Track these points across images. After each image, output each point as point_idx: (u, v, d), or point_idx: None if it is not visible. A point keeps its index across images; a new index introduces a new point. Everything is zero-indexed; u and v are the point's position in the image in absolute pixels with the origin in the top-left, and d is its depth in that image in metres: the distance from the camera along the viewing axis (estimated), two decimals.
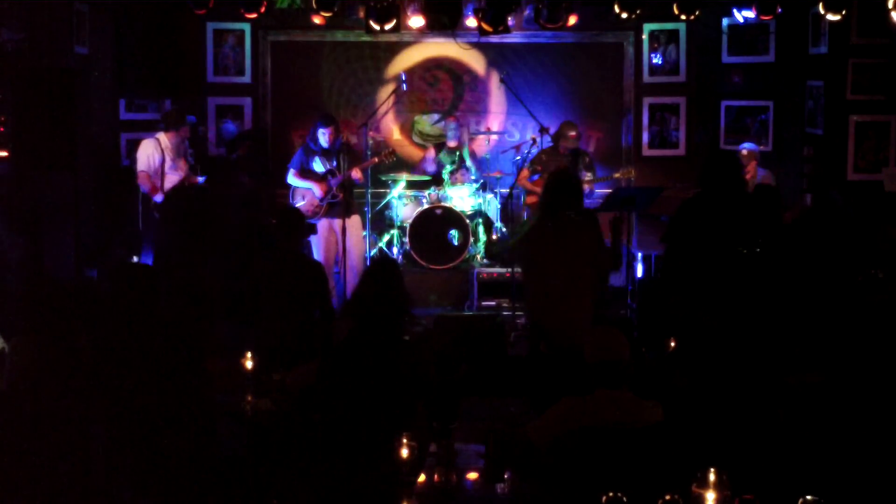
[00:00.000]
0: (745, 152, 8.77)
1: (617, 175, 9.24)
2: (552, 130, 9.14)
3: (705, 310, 5.62)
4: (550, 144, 9.07)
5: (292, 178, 8.73)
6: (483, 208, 9.39)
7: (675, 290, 5.91)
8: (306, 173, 8.63)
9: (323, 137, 8.58)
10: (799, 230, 6.27)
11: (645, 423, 3.99)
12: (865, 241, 6.49)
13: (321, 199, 8.57)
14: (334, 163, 8.63)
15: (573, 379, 4.28)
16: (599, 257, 5.81)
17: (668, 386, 4.94)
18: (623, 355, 4.07)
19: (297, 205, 8.56)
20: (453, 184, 9.29)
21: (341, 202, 8.52)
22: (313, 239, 8.66)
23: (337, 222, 8.51)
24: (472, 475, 4.14)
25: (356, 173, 8.60)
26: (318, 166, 8.62)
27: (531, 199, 9.07)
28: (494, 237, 9.16)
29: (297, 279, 6.03)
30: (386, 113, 10.07)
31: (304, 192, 8.69)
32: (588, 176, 8.89)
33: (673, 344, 5.48)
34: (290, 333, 5.88)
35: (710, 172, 5.91)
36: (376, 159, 8.83)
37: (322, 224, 8.64)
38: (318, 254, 8.64)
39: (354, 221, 8.71)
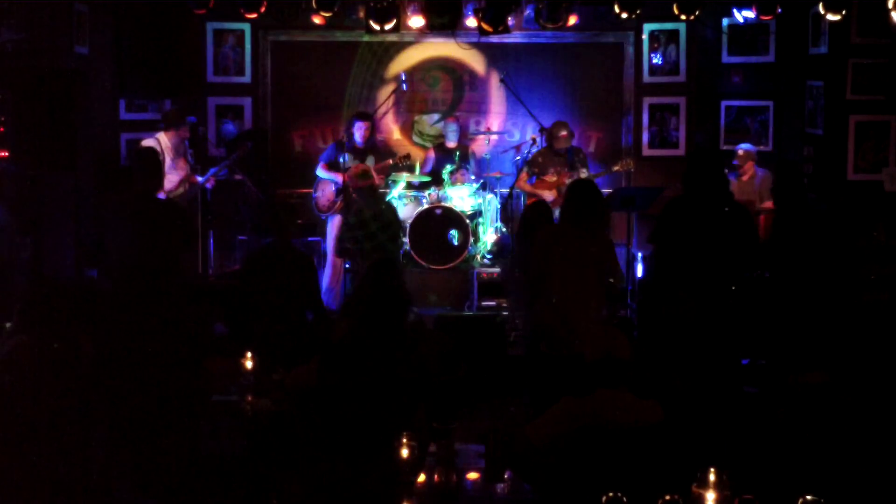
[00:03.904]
0: (741, 152, 8.77)
1: (616, 168, 9.25)
2: None
3: (695, 311, 5.63)
4: (545, 145, 9.09)
5: (320, 171, 8.97)
6: (483, 208, 9.39)
7: (666, 290, 5.90)
8: (334, 166, 8.75)
9: (358, 133, 8.81)
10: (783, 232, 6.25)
11: (645, 423, 3.99)
12: (847, 240, 6.50)
13: (336, 194, 8.69)
14: (365, 161, 8.80)
15: (573, 379, 4.29)
16: (610, 269, 5.84)
17: (667, 386, 4.93)
18: (623, 355, 4.07)
19: (315, 196, 8.87)
20: (453, 184, 9.29)
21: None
22: (329, 234, 8.87)
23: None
24: (472, 475, 4.14)
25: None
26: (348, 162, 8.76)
27: (532, 202, 9.07)
28: None
29: (289, 272, 6.17)
30: (386, 113, 10.07)
31: (325, 186, 8.86)
32: (584, 172, 8.90)
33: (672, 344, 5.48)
34: (285, 325, 5.98)
35: (692, 173, 5.91)
36: (391, 161, 9.01)
37: (336, 220, 8.75)
38: (330, 250, 8.77)
39: None
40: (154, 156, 6.69)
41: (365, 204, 7.54)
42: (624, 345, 4.10)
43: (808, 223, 5.90)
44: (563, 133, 8.93)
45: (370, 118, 9.01)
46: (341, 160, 8.75)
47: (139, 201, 6.40)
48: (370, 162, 8.88)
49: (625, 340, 4.12)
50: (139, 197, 6.39)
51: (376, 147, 9.26)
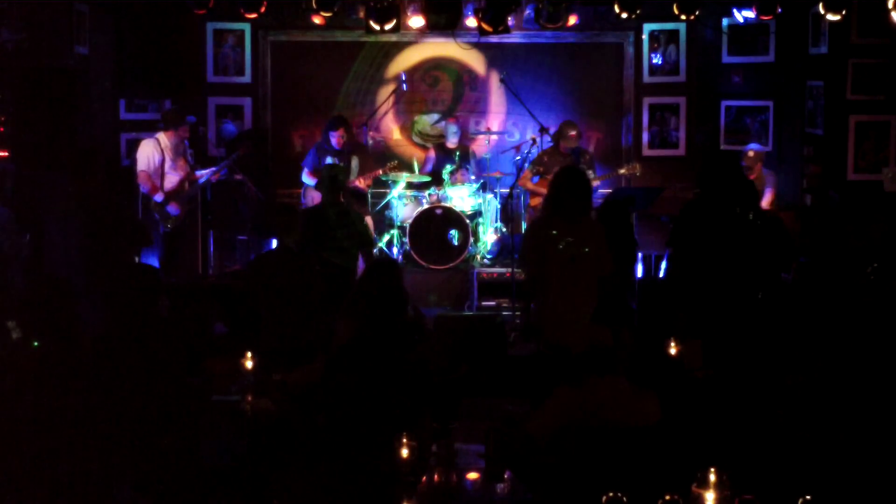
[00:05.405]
0: (751, 153, 8.76)
1: (622, 171, 9.24)
2: (552, 130, 9.16)
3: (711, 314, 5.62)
4: (551, 144, 9.09)
5: (305, 177, 8.94)
6: (483, 208, 9.39)
7: (683, 294, 5.88)
8: (318, 173, 8.72)
9: (333, 140, 8.82)
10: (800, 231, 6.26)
11: (644, 421, 3.99)
12: (861, 238, 6.49)
13: None
14: (349, 164, 8.82)
15: (565, 373, 4.32)
16: (604, 264, 5.72)
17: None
18: (606, 343, 4.13)
19: (304, 202, 8.82)
20: (453, 184, 9.29)
21: None
22: None
23: None
24: (472, 475, 4.14)
25: (360, 183, 8.78)
26: None
27: (535, 201, 9.08)
28: None
29: (291, 275, 6.14)
30: (386, 113, 10.07)
31: (312, 191, 8.83)
32: (590, 174, 8.90)
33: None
34: (289, 328, 5.98)
35: (710, 174, 5.88)
36: (380, 171, 9.00)
37: None
38: None
39: None
40: (90, 157, 6.64)
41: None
42: (606, 334, 4.16)
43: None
44: (573, 133, 8.95)
45: (342, 124, 8.88)
46: (326, 163, 8.72)
47: (75, 200, 6.38)
48: (354, 163, 8.91)
49: (607, 330, 4.18)
50: (75, 195, 6.38)
51: (360, 147, 9.25)
